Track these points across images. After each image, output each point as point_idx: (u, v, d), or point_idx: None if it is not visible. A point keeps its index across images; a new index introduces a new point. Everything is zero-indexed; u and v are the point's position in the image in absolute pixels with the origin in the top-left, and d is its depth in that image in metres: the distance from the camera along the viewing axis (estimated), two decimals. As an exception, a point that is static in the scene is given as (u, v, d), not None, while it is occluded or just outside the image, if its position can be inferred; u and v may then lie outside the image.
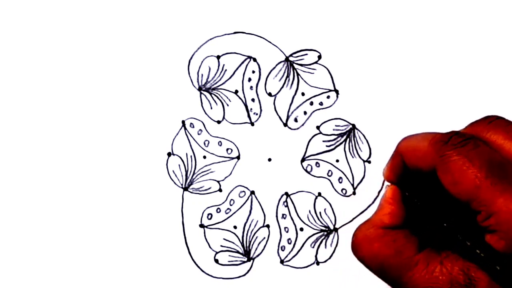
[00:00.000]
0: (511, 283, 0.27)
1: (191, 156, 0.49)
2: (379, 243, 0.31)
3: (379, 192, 0.48)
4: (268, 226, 0.48)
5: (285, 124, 0.49)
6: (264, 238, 0.48)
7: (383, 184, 0.46)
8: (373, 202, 0.48)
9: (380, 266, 0.31)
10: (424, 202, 0.32)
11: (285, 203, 0.48)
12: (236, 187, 0.49)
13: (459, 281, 0.28)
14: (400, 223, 0.32)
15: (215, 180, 0.49)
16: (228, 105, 0.49)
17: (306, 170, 0.49)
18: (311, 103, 0.49)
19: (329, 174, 0.48)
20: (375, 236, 0.32)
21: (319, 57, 0.50)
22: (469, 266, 0.28)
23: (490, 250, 0.27)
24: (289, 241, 0.48)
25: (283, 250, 0.48)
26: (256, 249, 0.48)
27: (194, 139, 0.49)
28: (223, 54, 0.50)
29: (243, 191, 0.48)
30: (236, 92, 0.50)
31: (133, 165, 0.48)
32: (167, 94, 0.49)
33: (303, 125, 0.49)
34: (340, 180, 0.48)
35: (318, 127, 0.49)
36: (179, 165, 0.49)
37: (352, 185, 0.48)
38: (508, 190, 0.26)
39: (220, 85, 0.50)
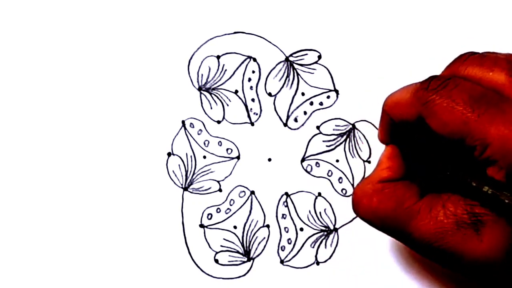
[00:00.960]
0: None
1: (191, 156, 0.49)
2: (378, 196, 0.31)
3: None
4: (268, 226, 0.48)
5: (285, 124, 0.49)
6: (264, 238, 0.48)
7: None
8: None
9: (383, 220, 0.31)
10: (422, 154, 0.32)
11: (285, 203, 0.48)
12: (236, 187, 0.49)
13: (465, 220, 0.27)
14: (399, 176, 0.31)
15: (215, 180, 0.49)
16: (228, 105, 0.49)
17: (306, 170, 0.49)
18: (311, 103, 0.49)
19: (329, 174, 0.48)
20: (374, 191, 0.31)
21: (319, 57, 0.50)
22: (472, 204, 0.27)
23: (495, 184, 0.27)
24: (289, 241, 0.48)
25: (283, 250, 0.48)
26: (256, 249, 0.48)
27: (194, 139, 0.49)
28: (223, 54, 0.50)
29: (243, 191, 0.49)
30: (236, 92, 0.50)
31: (133, 165, 0.48)
32: (167, 94, 0.49)
33: (303, 125, 0.49)
34: (340, 180, 0.48)
35: (318, 127, 0.49)
36: (179, 165, 0.49)
37: (352, 185, 0.48)
38: (496, 117, 0.26)
39: (220, 85, 0.50)
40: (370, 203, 0.31)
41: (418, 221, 0.28)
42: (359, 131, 0.49)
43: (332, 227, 0.48)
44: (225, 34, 0.50)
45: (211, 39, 0.50)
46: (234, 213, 0.48)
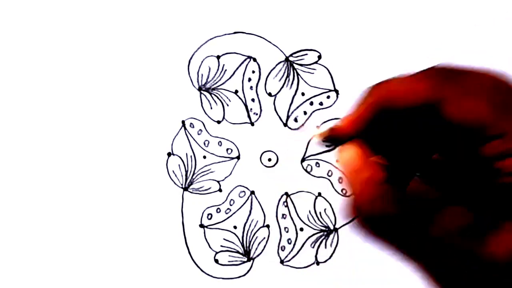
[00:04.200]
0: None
1: (191, 156, 0.49)
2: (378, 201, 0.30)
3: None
4: (268, 226, 0.48)
5: (285, 124, 0.49)
6: (264, 238, 0.48)
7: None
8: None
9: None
10: (404, 145, 0.31)
11: (285, 203, 0.48)
12: (236, 187, 0.49)
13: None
14: (386, 174, 0.30)
15: (215, 180, 0.49)
16: (228, 105, 0.49)
17: (306, 170, 0.49)
18: (311, 103, 0.49)
19: (329, 174, 0.48)
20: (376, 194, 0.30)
21: (319, 57, 0.50)
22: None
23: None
24: (289, 241, 0.48)
25: (283, 250, 0.48)
26: (256, 249, 0.48)
27: (194, 139, 0.49)
28: (223, 54, 0.50)
29: (243, 191, 0.48)
30: (236, 92, 0.50)
31: (133, 165, 0.48)
32: (167, 94, 0.49)
33: (303, 125, 0.49)
34: (340, 180, 0.48)
35: (318, 127, 0.49)
36: (179, 165, 0.49)
37: (352, 185, 0.48)
38: None
39: (220, 85, 0.50)
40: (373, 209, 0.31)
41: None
42: (359, 131, 0.49)
43: (332, 227, 0.48)
44: (225, 34, 0.50)
45: (211, 39, 0.50)
46: (234, 213, 0.48)
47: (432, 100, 0.28)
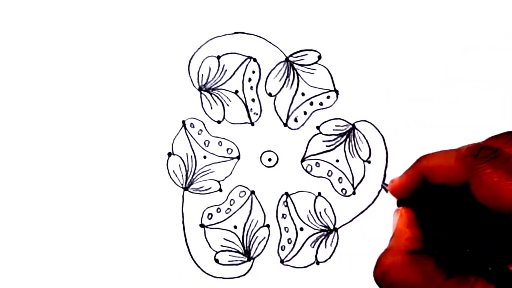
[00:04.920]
0: None
1: (191, 156, 0.49)
2: (407, 269, 0.30)
3: (379, 192, 0.48)
4: (268, 226, 0.48)
5: (285, 124, 0.49)
6: (264, 238, 0.48)
7: (382, 185, 0.46)
8: (373, 202, 0.48)
9: None
10: (444, 224, 0.31)
11: (285, 203, 0.48)
12: (236, 187, 0.49)
13: None
14: (422, 248, 0.31)
15: (215, 180, 0.49)
16: (228, 105, 0.50)
17: (306, 170, 0.49)
18: (311, 103, 0.49)
19: (329, 174, 0.48)
20: (403, 263, 0.31)
21: (319, 57, 0.50)
22: None
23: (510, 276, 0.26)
24: (289, 241, 0.48)
25: (283, 250, 0.48)
26: (256, 249, 0.48)
27: (194, 139, 0.49)
28: (223, 54, 0.50)
29: (243, 191, 0.49)
30: (236, 92, 0.50)
31: (133, 165, 0.48)
32: (167, 94, 0.49)
33: (303, 125, 0.49)
34: (340, 180, 0.48)
35: (318, 127, 0.49)
36: (179, 165, 0.49)
37: (352, 185, 0.48)
38: None
39: (220, 85, 0.50)
40: (399, 276, 0.30)
41: None
42: (359, 131, 0.49)
43: (332, 227, 0.48)
44: (225, 34, 0.50)
45: (211, 39, 0.50)
46: (234, 213, 0.48)
47: (465, 180, 0.28)
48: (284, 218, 0.48)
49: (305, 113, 0.49)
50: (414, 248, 0.31)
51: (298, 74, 0.50)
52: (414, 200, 0.31)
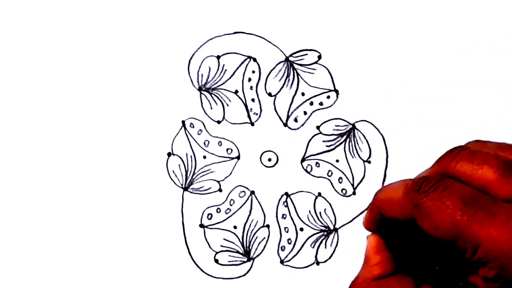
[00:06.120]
0: None
1: (191, 156, 0.49)
2: None
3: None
4: (268, 226, 0.48)
5: (285, 124, 0.49)
6: (264, 238, 0.48)
7: (383, 185, 0.46)
8: (373, 202, 0.48)
9: None
10: (410, 246, 0.32)
11: (285, 203, 0.48)
12: (236, 187, 0.49)
13: None
14: (391, 270, 0.32)
15: (215, 180, 0.49)
16: (228, 105, 0.50)
17: (306, 170, 0.49)
18: (311, 103, 0.49)
19: (329, 174, 0.48)
20: None
21: (319, 57, 0.50)
22: None
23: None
24: (289, 241, 0.48)
25: (283, 250, 0.48)
26: (256, 249, 0.48)
27: (194, 139, 0.49)
28: (223, 54, 0.50)
29: (243, 191, 0.49)
30: (236, 92, 0.50)
31: (133, 165, 0.48)
32: (167, 94, 0.49)
33: (303, 125, 0.49)
34: (340, 180, 0.48)
35: (318, 127, 0.49)
36: (179, 165, 0.49)
37: (352, 185, 0.48)
38: (485, 220, 0.26)
39: (220, 85, 0.50)
40: None
41: None
42: (359, 131, 0.49)
43: (332, 227, 0.48)
44: (225, 34, 0.50)
45: (211, 39, 0.50)
46: (234, 213, 0.48)
47: (411, 215, 0.29)
48: (284, 218, 0.48)
49: (305, 113, 0.49)
50: (383, 272, 0.32)
51: (298, 74, 0.50)
52: (378, 228, 0.33)
